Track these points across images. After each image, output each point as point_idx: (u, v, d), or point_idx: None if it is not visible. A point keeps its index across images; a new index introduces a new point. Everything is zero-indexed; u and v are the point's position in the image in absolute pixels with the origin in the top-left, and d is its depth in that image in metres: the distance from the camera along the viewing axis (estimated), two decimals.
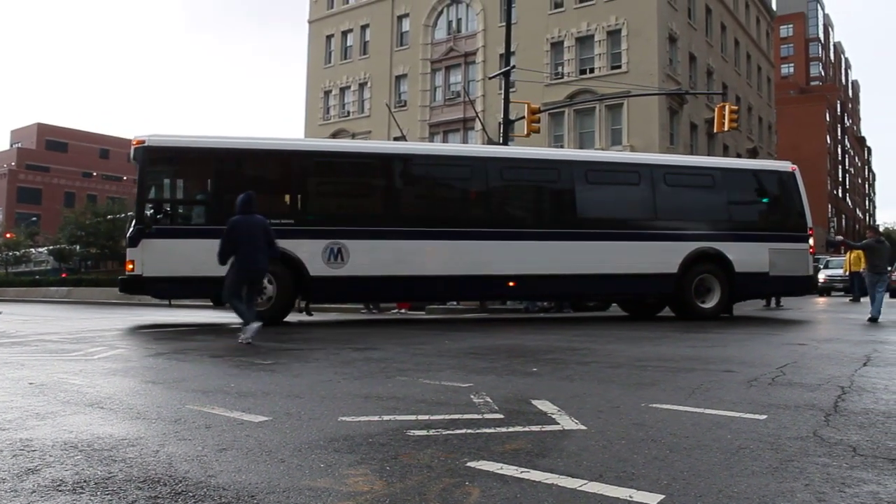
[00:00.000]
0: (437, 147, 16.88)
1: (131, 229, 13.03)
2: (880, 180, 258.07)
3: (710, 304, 15.45)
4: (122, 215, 45.94)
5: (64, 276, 42.47)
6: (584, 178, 15.29)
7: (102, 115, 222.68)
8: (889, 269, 15.49)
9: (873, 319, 14.64)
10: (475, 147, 17.19)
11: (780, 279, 15.93)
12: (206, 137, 14.07)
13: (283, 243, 13.10)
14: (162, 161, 13.54)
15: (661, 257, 15.12)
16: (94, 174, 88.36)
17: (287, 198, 14.11)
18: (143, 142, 13.18)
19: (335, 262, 13.45)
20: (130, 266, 12.81)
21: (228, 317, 17.78)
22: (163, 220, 13.09)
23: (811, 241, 16.57)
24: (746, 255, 15.55)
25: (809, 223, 16.70)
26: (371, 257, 13.66)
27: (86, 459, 3.37)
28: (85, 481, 3.01)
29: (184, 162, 13.85)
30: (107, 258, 47.35)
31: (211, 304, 18.20)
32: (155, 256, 12.77)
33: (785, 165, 17.33)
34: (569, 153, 17.65)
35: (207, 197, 13.87)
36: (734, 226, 15.83)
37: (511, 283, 14.50)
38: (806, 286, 17.20)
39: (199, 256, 12.58)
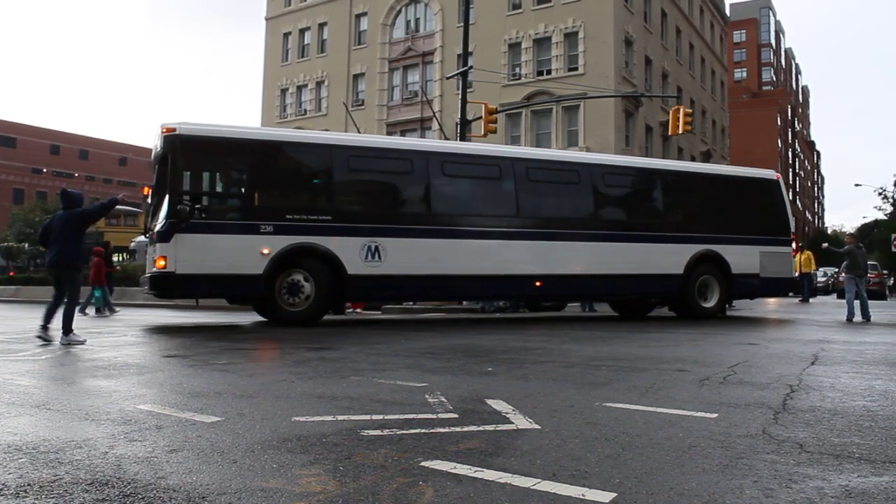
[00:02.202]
0: (473, 146, 16.96)
1: (162, 223, 12.15)
2: (829, 184, 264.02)
3: (709, 303, 16.16)
4: None
5: (11, 274, 41.49)
6: (605, 181, 15.79)
7: (53, 111, 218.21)
8: (867, 272, 16.78)
9: (849, 320, 15.51)
10: (506, 147, 17.36)
11: (769, 281, 16.80)
12: (241, 128, 13.65)
13: (321, 240, 12.78)
14: (195, 151, 12.58)
15: (670, 259, 15.70)
16: (45, 170, 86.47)
17: (325, 193, 13.58)
18: (174, 130, 12.32)
19: (373, 260, 13.13)
20: (162, 263, 11.90)
21: (186, 317, 17.53)
22: (197, 214, 12.17)
23: (794, 245, 17.51)
24: (741, 258, 16.33)
25: (792, 228, 17.66)
26: (406, 256, 13.44)
27: (30, 462, 3.29)
28: (29, 484, 2.94)
29: (218, 152, 13.01)
30: None
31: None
32: (190, 252, 11.98)
33: (770, 174, 18.38)
34: (589, 157, 18.05)
35: (244, 190, 13.19)
36: (730, 230, 16.51)
37: (538, 283, 14.66)
38: (791, 287, 18.31)
39: (236, 253, 12.25)
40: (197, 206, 12.25)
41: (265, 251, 12.37)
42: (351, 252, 12.95)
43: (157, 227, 12.34)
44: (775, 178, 18.04)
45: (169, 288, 12.40)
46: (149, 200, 15.04)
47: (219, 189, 13.45)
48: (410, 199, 14.38)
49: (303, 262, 12.76)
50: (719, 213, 16.82)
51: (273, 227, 12.56)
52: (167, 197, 12.24)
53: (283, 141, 13.75)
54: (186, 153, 12.42)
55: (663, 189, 16.57)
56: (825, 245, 21.25)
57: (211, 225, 12.33)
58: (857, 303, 15.99)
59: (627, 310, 17.76)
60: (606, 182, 15.86)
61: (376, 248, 13.16)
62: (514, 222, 14.58)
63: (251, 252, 12.31)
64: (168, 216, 12.07)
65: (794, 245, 17.49)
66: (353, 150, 14.08)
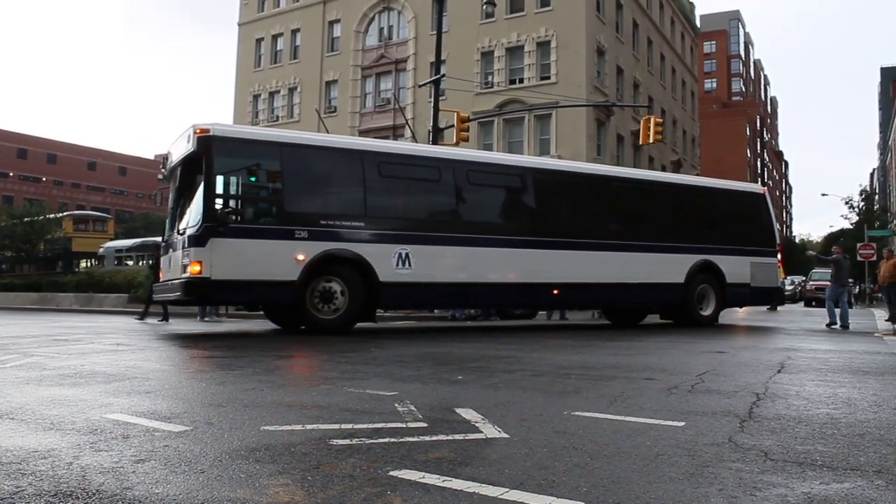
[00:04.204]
0: (498, 156, 17.47)
1: (197, 227, 11.82)
2: (796, 193, 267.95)
3: (707, 311, 16.78)
4: (41, 217, 44.46)
5: None
6: (618, 193, 16.40)
7: (20, 114, 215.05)
8: (850, 281, 17.87)
9: (845, 327, 16.22)
10: (529, 158, 18.01)
11: (759, 290, 17.55)
12: (274, 131, 13.52)
13: (354, 247, 12.67)
14: (229, 153, 12.27)
15: (674, 268, 16.23)
16: (11, 174, 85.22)
17: (358, 199, 13.36)
18: (208, 131, 12.02)
19: (403, 267, 13.08)
20: (197, 268, 11.56)
21: (159, 325, 17.35)
22: (232, 218, 11.94)
23: (779, 256, 18.28)
24: (734, 268, 16.99)
25: (778, 239, 18.52)
26: (435, 263, 13.50)
27: None
28: None
29: (252, 154, 12.68)
30: (23, 262, 45.73)
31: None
32: (226, 258, 11.70)
33: (757, 188, 19.68)
34: (602, 168, 18.86)
35: (278, 194, 12.77)
36: (724, 241, 17.12)
37: (555, 291, 14.94)
38: (777, 296, 19.38)
39: (271, 258, 12.06)
40: (234, 209, 12.03)
41: (300, 257, 12.21)
42: (383, 259, 12.89)
43: (191, 231, 11.98)
44: (762, 191, 18.97)
45: (204, 294, 12.12)
46: (157, 202, 14.82)
47: (253, 192, 13.00)
48: (439, 207, 14.49)
49: (336, 269, 12.61)
50: (714, 225, 17.47)
51: (308, 233, 12.39)
52: (201, 200, 11.92)
53: (317, 145, 13.59)
54: (221, 155, 12.13)
55: (666, 200, 17.16)
56: (811, 253, 22.14)
57: (246, 229, 12.10)
58: (837, 310, 16.73)
59: (622, 318, 18.12)
60: (619, 193, 16.42)
61: (406, 255, 13.15)
62: (535, 231, 14.86)
63: (286, 258, 12.14)
64: (204, 220, 11.75)
65: (779, 256, 18.14)
66: (385, 156, 14.05)
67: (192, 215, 12.27)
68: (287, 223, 12.38)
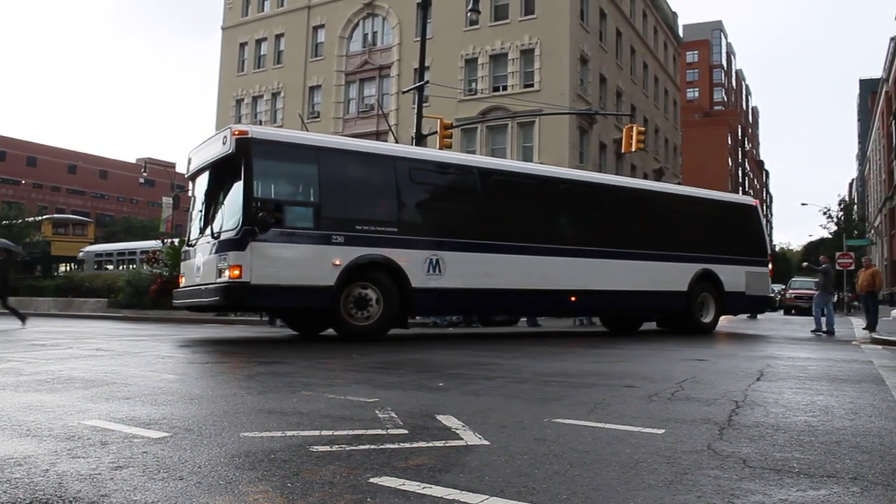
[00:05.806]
0: (526, 166, 17.86)
1: (236, 230, 11.59)
2: (777, 203, 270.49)
3: (707, 319, 17.29)
4: (20, 221, 44.08)
5: None
6: (631, 204, 16.87)
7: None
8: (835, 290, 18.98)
9: (830, 333, 16.85)
10: (555, 168, 18.43)
11: (753, 298, 18.19)
12: (311, 135, 13.57)
13: (389, 252, 12.63)
14: (267, 155, 12.13)
15: (678, 276, 16.66)
16: None
17: (392, 204, 13.33)
18: (246, 133, 11.94)
19: (433, 273, 13.12)
20: (237, 272, 11.38)
21: (138, 329, 17.23)
22: (271, 221, 11.65)
23: (770, 266, 18.91)
24: (731, 277, 17.51)
25: (769, 250, 19.18)
26: (464, 270, 13.54)
27: None
28: None
29: (290, 158, 12.63)
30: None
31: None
32: (266, 262, 11.56)
33: (750, 200, 20.43)
34: (615, 179, 19.38)
35: (315, 198, 12.49)
36: (721, 251, 17.61)
37: (573, 298, 15.12)
38: (768, 304, 20.26)
39: (309, 263, 12.01)
40: (269, 212, 11.77)
41: (337, 262, 12.15)
42: (415, 265, 12.93)
43: (229, 235, 11.79)
44: (754, 203, 19.74)
45: (243, 299, 11.91)
46: (175, 206, 14.73)
47: (291, 196, 12.70)
48: (469, 214, 14.51)
49: (371, 275, 12.57)
50: (712, 235, 17.91)
51: (344, 238, 12.34)
52: (240, 203, 11.72)
53: (353, 150, 13.58)
54: (259, 157, 11.97)
55: (672, 210, 17.65)
56: (805, 264, 23.12)
57: (285, 233, 11.93)
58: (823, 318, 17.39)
59: (620, 326, 18.53)
60: (632, 204, 16.85)
61: (437, 261, 13.20)
62: (557, 239, 15.14)
63: (324, 263, 12.09)
64: (243, 223, 11.56)
65: (770, 266, 18.64)
66: (419, 162, 14.17)
67: (227, 219, 12.10)
68: (324, 227, 12.29)
